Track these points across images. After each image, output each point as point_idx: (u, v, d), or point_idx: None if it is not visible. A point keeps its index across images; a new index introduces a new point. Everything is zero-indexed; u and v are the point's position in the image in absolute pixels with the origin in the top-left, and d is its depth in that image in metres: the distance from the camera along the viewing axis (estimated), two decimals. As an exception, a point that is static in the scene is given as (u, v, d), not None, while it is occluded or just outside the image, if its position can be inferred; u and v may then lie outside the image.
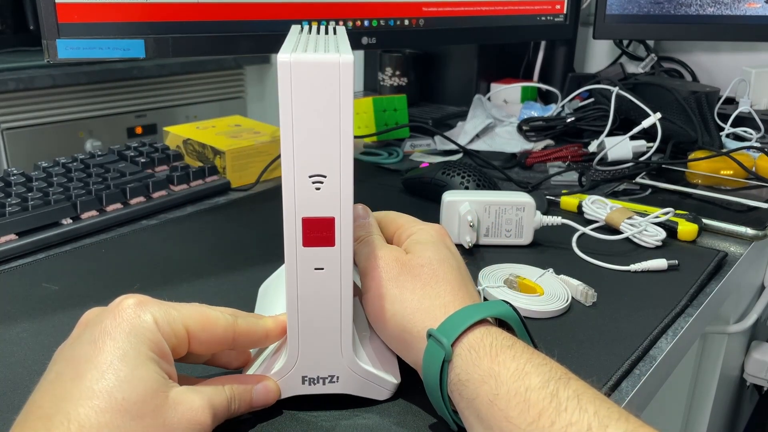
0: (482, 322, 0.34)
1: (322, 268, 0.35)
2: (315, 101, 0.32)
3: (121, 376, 0.29)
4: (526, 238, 0.59)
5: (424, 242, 0.40)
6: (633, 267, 0.55)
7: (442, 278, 0.38)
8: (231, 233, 0.62)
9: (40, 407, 0.29)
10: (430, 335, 0.35)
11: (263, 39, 0.67)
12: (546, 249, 0.59)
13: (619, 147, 0.81)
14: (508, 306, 0.36)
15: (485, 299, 0.49)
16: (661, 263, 0.55)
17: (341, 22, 0.73)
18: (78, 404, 0.28)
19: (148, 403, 0.30)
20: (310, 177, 0.33)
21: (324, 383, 0.37)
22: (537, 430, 0.29)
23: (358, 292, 0.41)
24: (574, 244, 0.59)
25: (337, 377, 0.37)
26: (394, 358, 0.40)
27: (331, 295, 0.35)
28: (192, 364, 0.37)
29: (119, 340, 0.31)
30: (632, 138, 0.81)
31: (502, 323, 0.36)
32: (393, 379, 0.38)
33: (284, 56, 0.31)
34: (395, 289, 0.37)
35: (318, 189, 0.33)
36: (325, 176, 0.33)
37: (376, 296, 0.38)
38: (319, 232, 0.34)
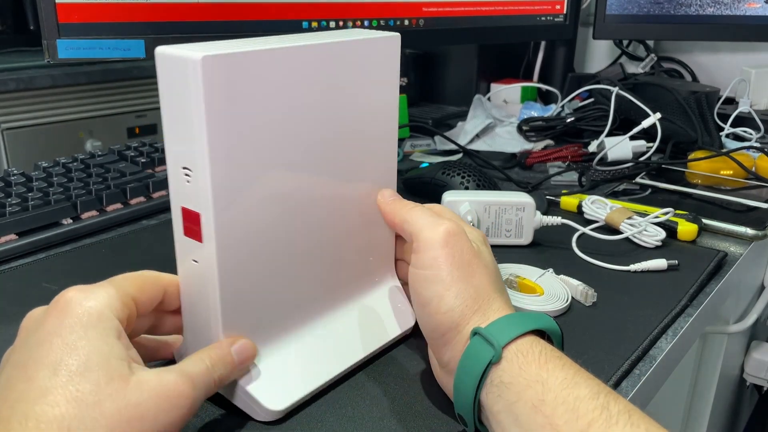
0: (529, 331, 0.34)
1: (197, 261, 0.35)
2: (174, 95, 0.32)
3: (72, 369, 0.29)
4: (526, 238, 0.59)
5: (482, 242, 0.40)
6: (633, 267, 0.55)
7: (497, 285, 0.37)
8: (231, 233, 0.62)
9: None
10: (475, 333, 0.34)
11: (263, 39, 0.67)
12: (546, 249, 0.59)
13: (619, 147, 0.81)
14: (554, 321, 0.36)
15: None
16: (661, 263, 0.55)
17: (341, 23, 0.73)
18: (34, 403, 0.28)
19: (104, 389, 0.29)
20: (183, 168, 0.33)
21: None
22: None
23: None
24: (574, 244, 0.59)
25: None
26: (304, 386, 0.38)
27: (203, 292, 0.35)
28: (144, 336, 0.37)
29: (65, 335, 0.30)
30: (632, 138, 0.81)
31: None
32: (272, 405, 0.36)
33: (160, 48, 0.32)
34: (461, 281, 0.36)
35: (188, 182, 0.33)
36: (191, 170, 0.33)
37: (439, 280, 0.36)
38: (191, 224, 0.34)
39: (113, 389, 0.30)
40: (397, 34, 0.41)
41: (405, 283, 0.46)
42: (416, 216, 0.39)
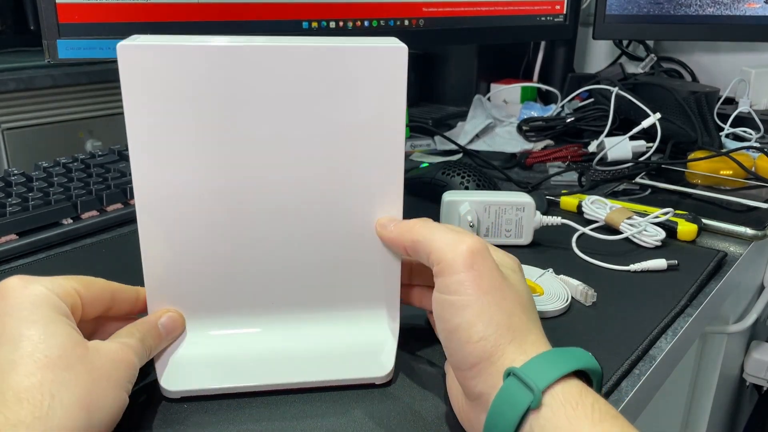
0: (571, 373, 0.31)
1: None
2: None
3: (34, 339, 0.30)
4: (526, 238, 0.59)
5: (510, 268, 0.37)
6: (633, 267, 0.55)
7: (531, 315, 0.34)
8: (231, 233, 0.62)
9: None
10: (509, 374, 0.30)
11: (263, 39, 0.67)
12: (546, 249, 0.59)
13: (619, 147, 0.81)
14: (593, 358, 0.32)
15: None
16: (660, 263, 0.55)
17: (341, 23, 0.73)
18: (5, 377, 0.29)
19: (71, 354, 0.30)
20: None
21: None
22: None
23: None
24: (573, 244, 0.59)
25: None
26: (213, 379, 0.37)
27: None
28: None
29: (17, 313, 0.31)
30: (632, 138, 0.81)
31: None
32: (166, 383, 0.37)
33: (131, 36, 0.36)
34: (492, 307, 0.32)
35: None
36: (128, 149, 0.37)
37: (467, 306, 0.33)
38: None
39: (79, 354, 0.31)
40: (402, 47, 0.37)
41: (427, 310, 0.44)
42: (431, 234, 0.35)
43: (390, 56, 0.37)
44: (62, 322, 0.32)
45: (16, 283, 0.32)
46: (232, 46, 0.35)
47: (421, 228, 0.36)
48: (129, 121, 0.35)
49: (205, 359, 0.38)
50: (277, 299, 0.40)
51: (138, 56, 0.34)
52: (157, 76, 0.35)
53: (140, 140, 0.36)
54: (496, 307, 0.33)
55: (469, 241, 0.34)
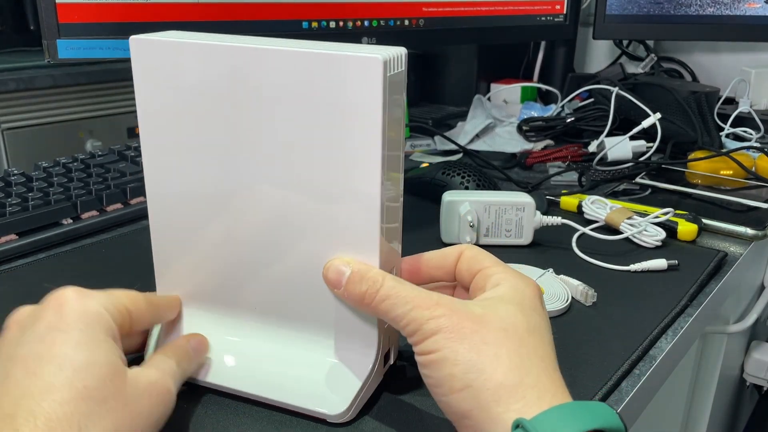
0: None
1: None
2: None
3: (77, 365, 0.30)
4: (526, 238, 0.59)
5: (510, 300, 0.34)
6: (633, 267, 0.55)
7: (532, 352, 0.32)
8: (231, 233, 0.62)
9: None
10: (518, 426, 0.28)
11: (263, 39, 0.67)
12: (546, 249, 0.59)
13: (619, 147, 0.81)
14: (617, 416, 0.29)
15: None
16: (660, 263, 0.55)
17: (341, 23, 0.73)
18: (41, 399, 0.28)
19: (108, 386, 0.30)
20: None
21: None
22: None
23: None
24: (574, 244, 0.59)
25: None
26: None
27: None
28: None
29: (69, 331, 0.31)
30: (632, 138, 0.81)
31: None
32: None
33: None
34: (470, 353, 0.31)
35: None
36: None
37: (443, 359, 0.31)
38: None
39: (116, 386, 0.30)
40: (377, 57, 0.31)
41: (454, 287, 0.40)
42: (391, 311, 0.33)
43: (361, 67, 0.32)
44: (109, 347, 0.31)
45: (72, 295, 0.32)
46: (229, 46, 0.35)
47: (378, 303, 0.34)
48: (140, 112, 0.38)
49: None
50: (258, 306, 0.39)
51: (148, 49, 0.36)
52: (165, 69, 0.36)
53: (150, 131, 0.38)
54: (475, 352, 0.31)
55: (428, 306, 0.32)
